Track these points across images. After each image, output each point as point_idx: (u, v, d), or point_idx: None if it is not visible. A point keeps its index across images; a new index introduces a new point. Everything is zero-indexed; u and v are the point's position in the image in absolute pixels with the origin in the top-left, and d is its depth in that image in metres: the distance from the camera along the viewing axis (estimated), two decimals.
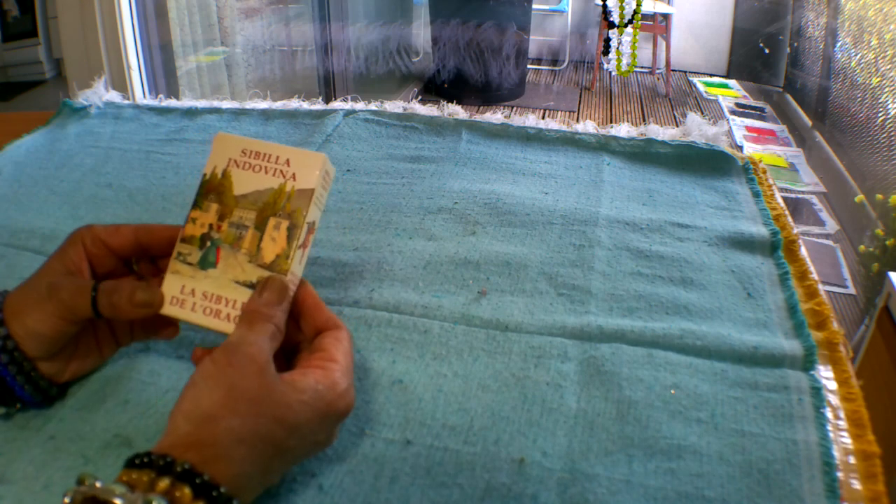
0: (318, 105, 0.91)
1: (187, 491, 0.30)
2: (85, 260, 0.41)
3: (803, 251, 0.60)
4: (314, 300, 0.41)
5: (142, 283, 0.41)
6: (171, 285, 0.41)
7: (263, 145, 0.42)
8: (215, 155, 0.42)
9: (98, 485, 0.29)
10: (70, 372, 0.42)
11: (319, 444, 0.37)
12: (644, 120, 3.34)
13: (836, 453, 0.40)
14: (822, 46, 2.97)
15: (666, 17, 3.47)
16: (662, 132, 0.80)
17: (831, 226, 2.31)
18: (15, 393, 0.40)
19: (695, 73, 4.04)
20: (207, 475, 0.30)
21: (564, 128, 0.83)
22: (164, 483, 0.30)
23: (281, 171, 0.41)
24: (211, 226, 0.41)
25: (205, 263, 0.41)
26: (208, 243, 0.41)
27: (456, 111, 0.87)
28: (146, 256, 0.44)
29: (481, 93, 3.40)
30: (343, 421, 0.38)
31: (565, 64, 4.01)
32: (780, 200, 0.69)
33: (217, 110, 0.89)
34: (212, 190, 0.42)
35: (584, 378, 0.45)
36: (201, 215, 0.41)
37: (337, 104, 0.91)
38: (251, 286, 0.40)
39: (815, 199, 2.49)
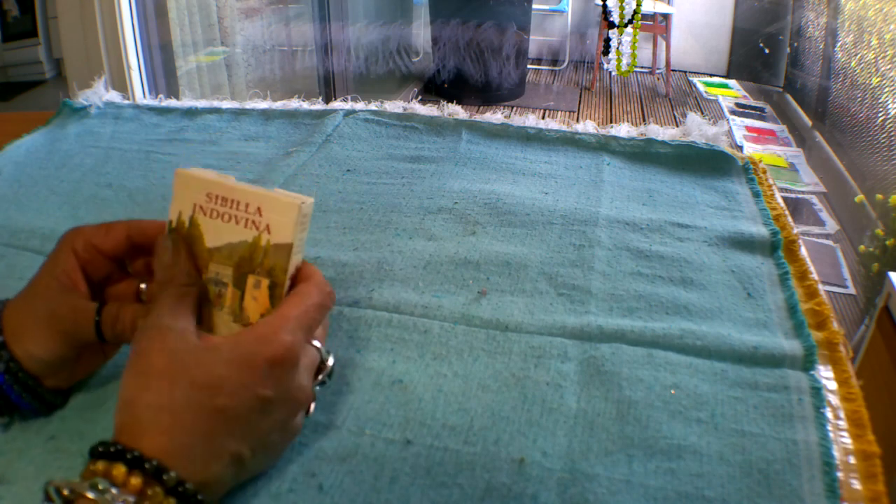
0: (318, 105, 0.91)
1: (122, 468, 0.31)
2: (78, 269, 0.40)
3: (803, 251, 0.60)
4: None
5: (142, 307, 0.40)
6: None
7: (230, 190, 0.38)
8: (178, 197, 0.39)
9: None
10: (75, 378, 0.42)
11: (268, 400, 0.34)
12: (644, 120, 3.34)
13: (836, 453, 0.40)
14: (822, 46, 2.97)
15: (666, 17, 3.47)
16: (662, 132, 0.80)
17: (831, 226, 2.31)
18: (20, 408, 0.40)
19: (695, 73, 4.04)
20: (137, 451, 0.31)
21: (564, 128, 0.83)
22: (100, 465, 0.31)
23: (253, 223, 0.38)
24: None
25: None
26: None
27: (456, 111, 0.87)
28: (140, 254, 0.43)
29: (481, 93, 3.40)
30: (288, 370, 0.35)
31: (565, 64, 4.01)
32: (780, 200, 0.69)
33: (217, 110, 0.89)
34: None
35: (584, 378, 0.45)
36: None
37: (337, 104, 0.91)
38: None
39: (815, 199, 2.49)
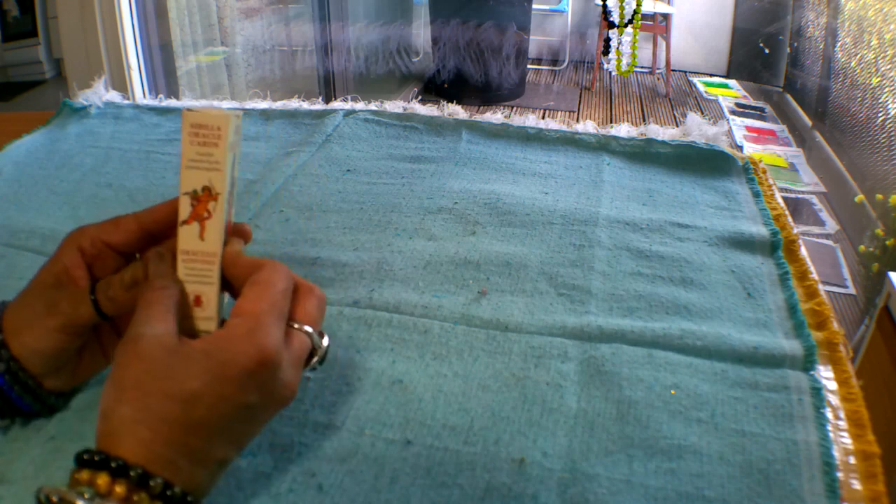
0: (318, 105, 0.91)
1: (106, 477, 0.30)
2: (81, 266, 0.39)
3: (803, 251, 0.60)
4: (233, 258, 0.38)
5: (138, 264, 0.39)
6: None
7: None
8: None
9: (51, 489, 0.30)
10: (76, 381, 0.42)
11: (252, 406, 0.34)
12: (644, 120, 3.35)
13: (836, 453, 0.40)
14: (822, 46, 2.97)
15: (666, 17, 3.47)
16: (662, 132, 0.80)
17: (831, 226, 2.31)
18: (21, 410, 0.39)
19: (695, 73, 4.04)
20: (121, 459, 0.31)
21: (564, 128, 0.83)
22: (84, 474, 0.31)
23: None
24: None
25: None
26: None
27: (456, 111, 0.87)
28: (152, 245, 0.41)
29: (481, 93, 3.40)
30: (270, 373, 0.34)
31: (565, 64, 4.01)
32: (780, 200, 0.69)
33: None
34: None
35: (585, 378, 0.45)
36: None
37: (337, 104, 0.91)
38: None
39: (815, 199, 2.49)
